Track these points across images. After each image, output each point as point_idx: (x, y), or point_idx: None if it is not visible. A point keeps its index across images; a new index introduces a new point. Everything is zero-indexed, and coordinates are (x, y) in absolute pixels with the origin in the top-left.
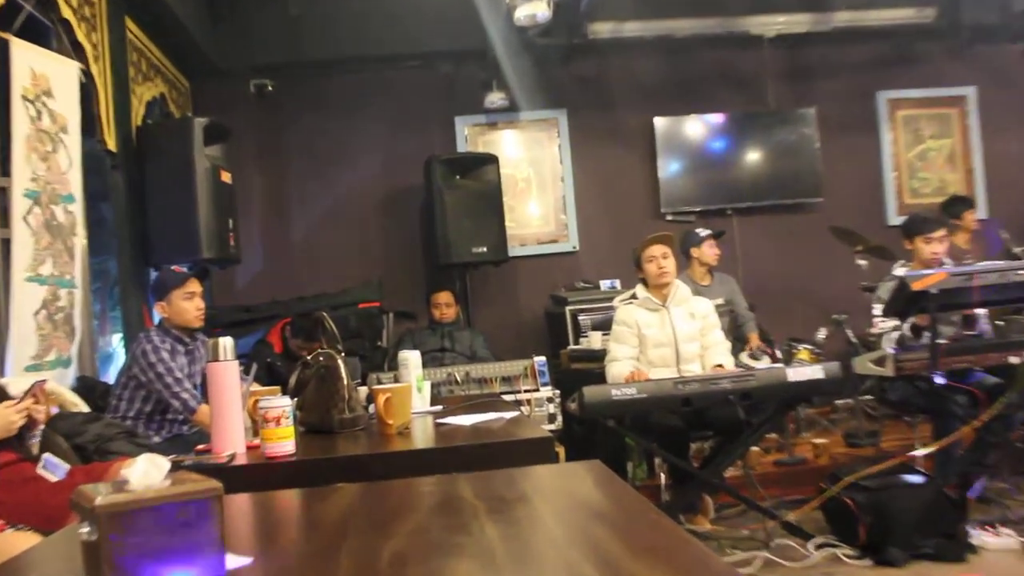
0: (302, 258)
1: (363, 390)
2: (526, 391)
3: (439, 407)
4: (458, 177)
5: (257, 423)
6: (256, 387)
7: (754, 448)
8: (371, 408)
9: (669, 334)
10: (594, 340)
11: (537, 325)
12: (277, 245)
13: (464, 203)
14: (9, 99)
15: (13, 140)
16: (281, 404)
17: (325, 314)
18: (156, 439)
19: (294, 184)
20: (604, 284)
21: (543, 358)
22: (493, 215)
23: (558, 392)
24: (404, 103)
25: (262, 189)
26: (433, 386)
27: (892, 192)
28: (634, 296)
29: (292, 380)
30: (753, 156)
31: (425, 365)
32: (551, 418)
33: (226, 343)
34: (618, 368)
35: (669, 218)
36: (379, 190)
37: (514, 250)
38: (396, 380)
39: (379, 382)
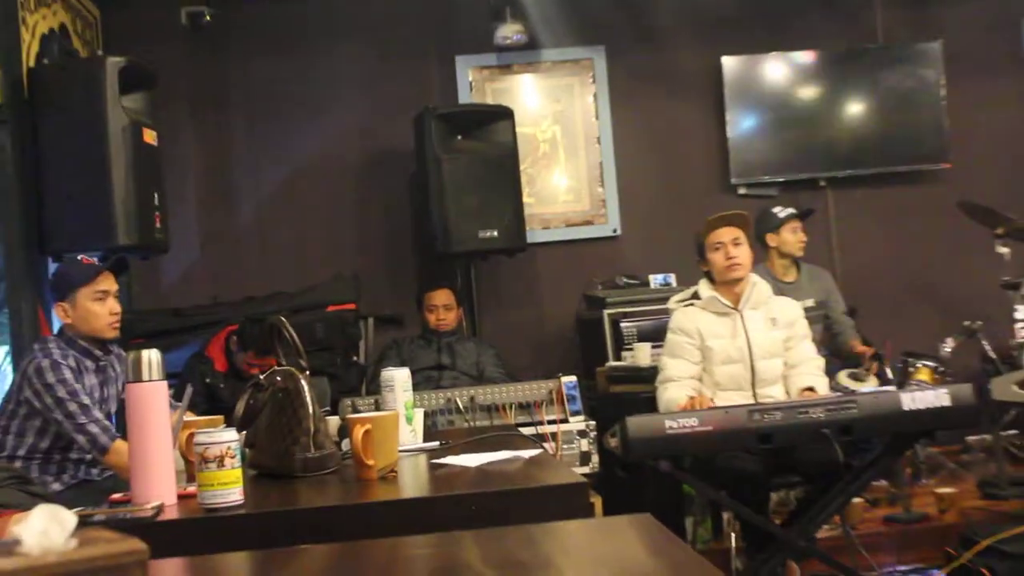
0: (253, 246)
1: (333, 420)
2: (551, 422)
3: (435, 443)
4: (460, 137)
5: (193, 464)
6: (191, 416)
7: (857, 500)
8: (344, 444)
9: (742, 347)
10: (641, 354)
11: (566, 334)
12: (219, 228)
13: (468, 172)
14: None
15: None
16: (225, 439)
17: (283, 319)
18: (56, 486)
19: (242, 147)
20: (655, 280)
21: (573, 378)
22: (507, 188)
23: (593, 424)
24: (388, 38)
25: (199, 154)
26: (427, 415)
27: None
28: (696, 296)
29: (239, 407)
30: (855, 108)
31: (416, 387)
32: (584, 458)
33: (151, 358)
34: (674, 392)
35: (742, 191)
36: (355, 155)
37: (535, 235)
38: (378, 407)
39: (355, 410)
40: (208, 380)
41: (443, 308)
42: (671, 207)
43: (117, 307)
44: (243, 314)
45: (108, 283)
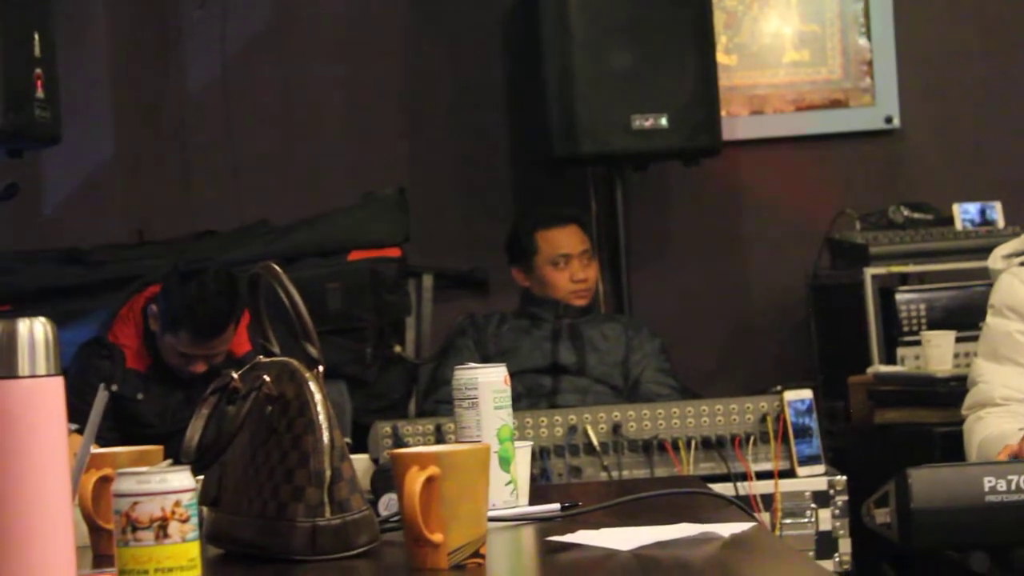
0: (211, 142)
1: (361, 460)
2: (762, 476)
3: (553, 506)
4: None
5: (107, 534)
6: (100, 449)
7: None
8: (386, 503)
9: None
10: (937, 353)
11: (789, 314)
12: (151, 108)
13: (614, 12)
14: None
15: None
16: (171, 487)
17: (276, 267)
18: None
19: None
20: (964, 213)
21: (806, 395)
22: (686, 38)
23: (843, 480)
24: None
25: None
26: (538, 455)
27: None
28: None
29: (194, 428)
30: None
31: (517, 403)
32: (825, 544)
33: (36, 334)
34: (998, 425)
35: None
36: None
37: (736, 125)
38: (443, 437)
39: (400, 441)
40: (115, 387)
41: (579, 259)
42: (998, 76)
43: None
44: (184, 262)
45: None
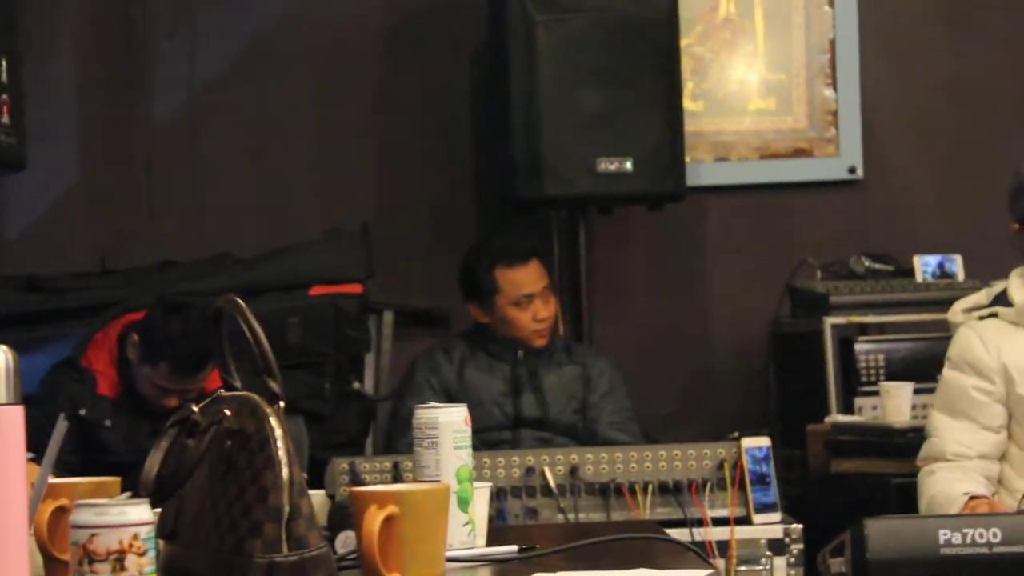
0: (179, 172)
1: (317, 495)
2: (718, 522)
3: (510, 548)
4: None
5: (63, 565)
6: (53, 479)
7: None
8: (343, 541)
9: None
10: (894, 404)
11: (749, 360)
12: (119, 136)
13: (583, 51)
14: None
15: None
16: (128, 519)
17: (239, 301)
18: None
19: None
20: (925, 266)
21: (764, 443)
22: (653, 83)
23: (799, 528)
24: None
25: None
26: (495, 496)
27: None
28: (1002, 301)
29: (152, 461)
30: None
31: (475, 443)
32: None
33: None
34: (947, 480)
35: None
36: (375, 15)
37: (701, 171)
38: (401, 475)
39: (357, 478)
40: (83, 411)
41: (541, 296)
42: (962, 129)
43: None
44: (155, 293)
45: None
